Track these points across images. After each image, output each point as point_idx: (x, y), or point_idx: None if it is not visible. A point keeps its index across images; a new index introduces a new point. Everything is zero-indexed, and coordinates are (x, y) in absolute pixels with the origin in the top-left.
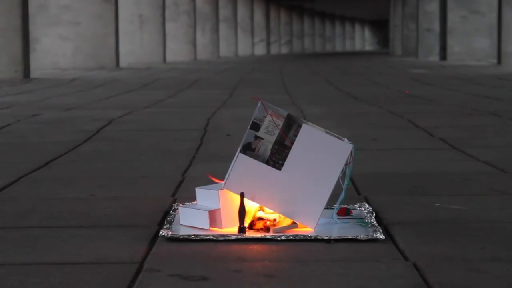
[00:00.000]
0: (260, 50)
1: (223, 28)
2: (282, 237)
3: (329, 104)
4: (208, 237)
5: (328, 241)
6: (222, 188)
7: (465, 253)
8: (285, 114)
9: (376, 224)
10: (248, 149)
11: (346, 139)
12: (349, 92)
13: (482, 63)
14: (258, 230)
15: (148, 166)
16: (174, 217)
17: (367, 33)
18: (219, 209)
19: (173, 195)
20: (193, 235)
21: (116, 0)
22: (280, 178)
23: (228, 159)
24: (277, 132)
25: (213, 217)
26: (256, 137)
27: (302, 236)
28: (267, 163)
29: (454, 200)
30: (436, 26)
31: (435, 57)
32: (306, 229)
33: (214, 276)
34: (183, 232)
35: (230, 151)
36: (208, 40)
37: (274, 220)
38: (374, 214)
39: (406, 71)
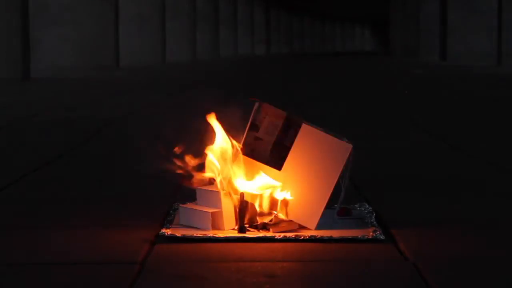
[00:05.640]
0: (260, 50)
1: (223, 28)
2: (282, 237)
3: (329, 104)
4: (208, 237)
5: (328, 241)
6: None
7: (465, 253)
8: (285, 114)
9: (376, 224)
10: (248, 150)
11: (345, 139)
12: (349, 92)
13: (482, 63)
14: (258, 230)
15: (148, 166)
16: (174, 217)
17: (367, 33)
18: (221, 210)
19: (173, 195)
20: (193, 235)
21: (116, 0)
22: (280, 178)
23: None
24: (276, 132)
25: (215, 218)
26: (256, 138)
27: (302, 236)
28: (267, 163)
29: (454, 200)
30: (436, 26)
31: (435, 57)
32: (306, 229)
33: (214, 276)
34: (183, 232)
35: None
36: (208, 40)
37: (274, 218)
38: (374, 214)
39: (406, 71)
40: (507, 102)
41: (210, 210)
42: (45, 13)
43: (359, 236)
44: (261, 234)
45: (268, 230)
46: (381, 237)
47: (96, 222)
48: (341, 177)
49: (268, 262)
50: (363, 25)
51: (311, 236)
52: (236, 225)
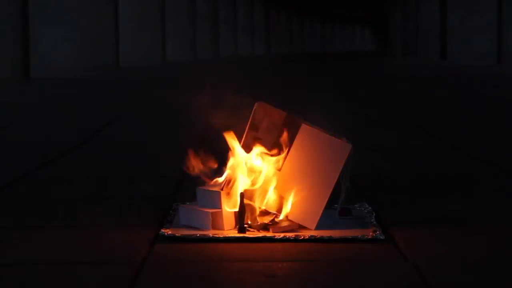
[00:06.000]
0: (260, 50)
1: (223, 28)
2: (282, 237)
3: (329, 104)
4: (208, 237)
5: (328, 241)
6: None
7: (465, 253)
8: (284, 114)
9: (376, 224)
10: (247, 150)
11: (345, 139)
12: (349, 91)
13: (482, 63)
14: (258, 230)
15: (148, 165)
16: (174, 217)
17: (367, 33)
18: (221, 210)
19: (173, 195)
20: (193, 235)
21: (116, 0)
22: (280, 178)
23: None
24: (276, 132)
25: (215, 218)
26: (256, 138)
27: (302, 236)
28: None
29: (454, 200)
30: (436, 26)
31: (435, 57)
32: (306, 229)
33: (214, 276)
34: (183, 232)
35: None
36: (208, 40)
37: (275, 216)
38: (374, 214)
39: (406, 71)
40: (507, 102)
41: (210, 210)
42: (45, 13)
43: (359, 236)
44: (261, 234)
45: (268, 230)
46: (381, 237)
47: (96, 222)
48: (341, 177)
49: (268, 262)
50: (363, 25)
51: (311, 236)
52: (236, 225)
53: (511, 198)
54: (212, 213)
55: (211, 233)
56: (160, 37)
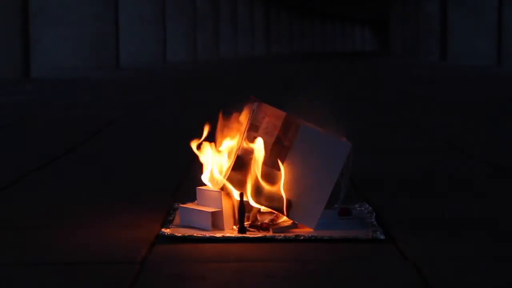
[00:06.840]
0: (260, 50)
1: (223, 28)
2: (282, 237)
3: (329, 104)
4: (208, 237)
5: (328, 241)
6: (222, 188)
7: (465, 253)
8: (284, 114)
9: (376, 224)
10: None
11: (345, 139)
12: (349, 92)
13: (482, 63)
14: (258, 230)
15: (149, 165)
16: (174, 217)
17: (367, 33)
18: (221, 210)
19: (173, 195)
20: (193, 235)
21: (116, 0)
22: (280, 178)
23: None
24: (275, 132)
25: (215, 218)
26: (255, 138)
27: (302, 236)
28: (266, 164)
29: (454, 200)
30: (436, 26)
31: (435, 57)
32: (306, 229)
33: (214, 276)
34: (183, 232)
35: None
36: (208, 40)
37: (276, 215)
38: (374, 214)
39: (407, 71)
40: (507, 102)
41: (210, 210)
42: (45, 13)
43: (359, 236)
44: (261, 234)
45: (268, 230)
46: (381, 237)
47: (96, 222)
48: (341, 176)
49: (268, 262)
50: (363, 25)
51: (311, 236)
52: (236, 225)
53: (511, 198)
54: (212, 213)
55: (211, 233)
56: (160, 37)
